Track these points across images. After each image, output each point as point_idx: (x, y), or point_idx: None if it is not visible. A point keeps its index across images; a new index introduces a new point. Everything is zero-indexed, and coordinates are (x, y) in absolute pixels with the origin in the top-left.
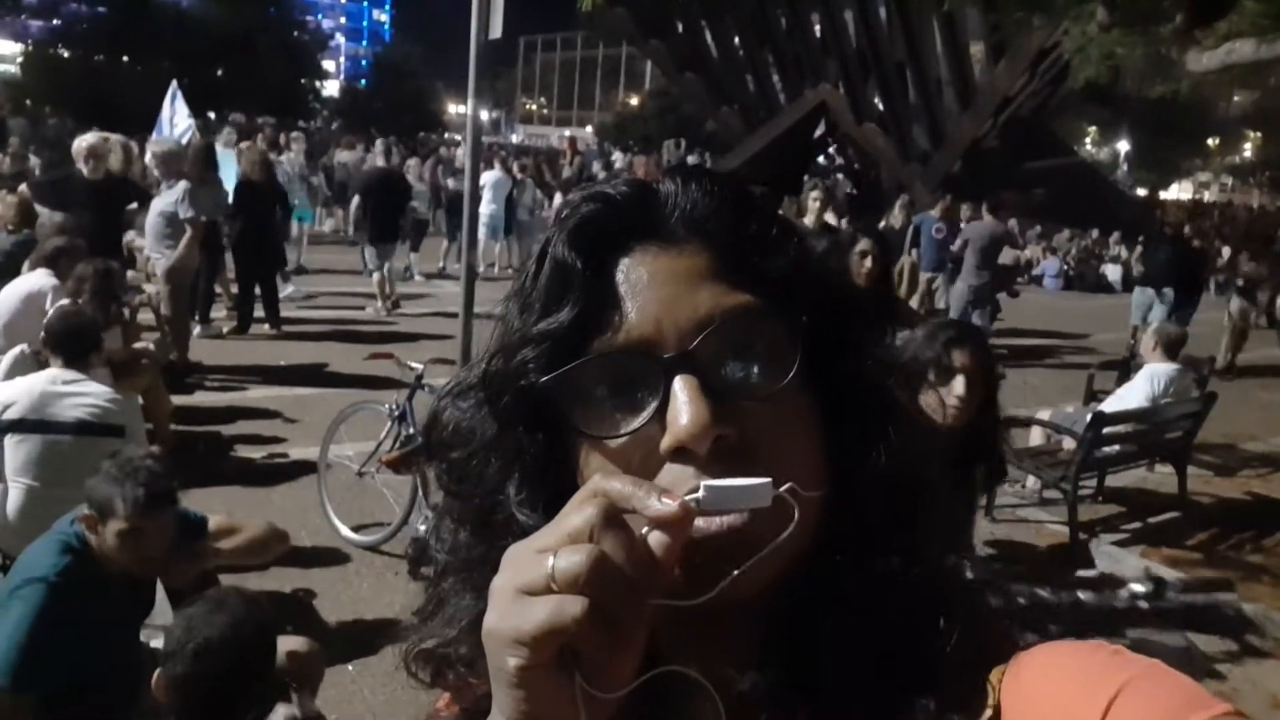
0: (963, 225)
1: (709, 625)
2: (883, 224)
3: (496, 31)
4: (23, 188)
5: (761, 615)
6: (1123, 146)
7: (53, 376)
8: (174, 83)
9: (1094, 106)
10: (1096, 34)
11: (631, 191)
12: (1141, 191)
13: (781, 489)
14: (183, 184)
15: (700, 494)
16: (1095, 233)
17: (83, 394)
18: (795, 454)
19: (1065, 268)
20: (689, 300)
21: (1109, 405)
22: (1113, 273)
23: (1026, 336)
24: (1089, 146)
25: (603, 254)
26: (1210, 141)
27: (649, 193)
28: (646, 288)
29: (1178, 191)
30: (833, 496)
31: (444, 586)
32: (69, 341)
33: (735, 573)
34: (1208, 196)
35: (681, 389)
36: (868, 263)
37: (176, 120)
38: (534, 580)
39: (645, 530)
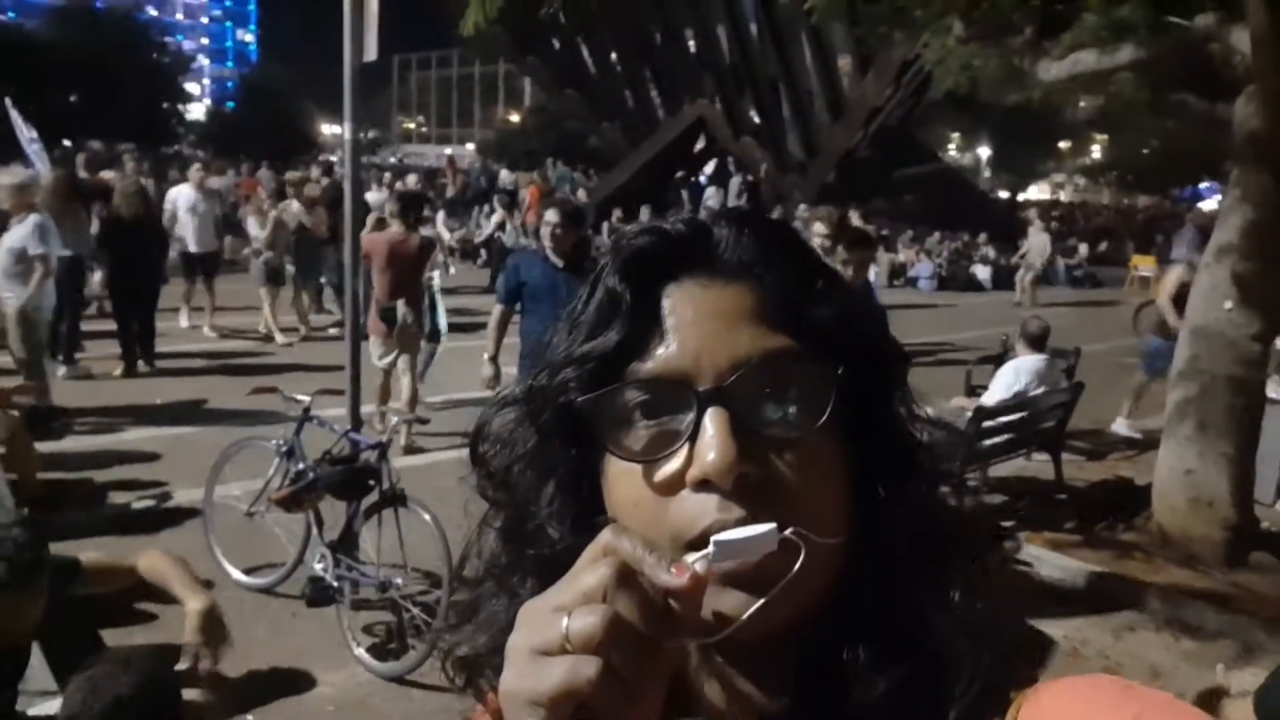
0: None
1: (737, 659)
2: None
3: (371, 54)
4: None
5: (790, 650)
6: (984, 151)
7: None
8: (6, 101)
9: (956, 114)
10: (954, 46)
11: (687, 229)
12: (1004, 194)
13: (787, 532)
14: (33, 218)
15: (711, 550)
16: (965, 235)
17: None
18: (818, 498)
19: (938, 269)
20: (729, 338)
21: (986, 398)
22: (982, 272)
23: (904, 337)
24: (953, 152)
25: (652, 285)
26: (1062, 145)
27: (704, 232)
28: (690, 322)
29: (1036, 192)
30: (860, 541)
31: (479, 593)
32: None
33: (743, 617)
34: (1064, 196)
35: (712, 423)
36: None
37: (25, 141)
38: (549, 641)
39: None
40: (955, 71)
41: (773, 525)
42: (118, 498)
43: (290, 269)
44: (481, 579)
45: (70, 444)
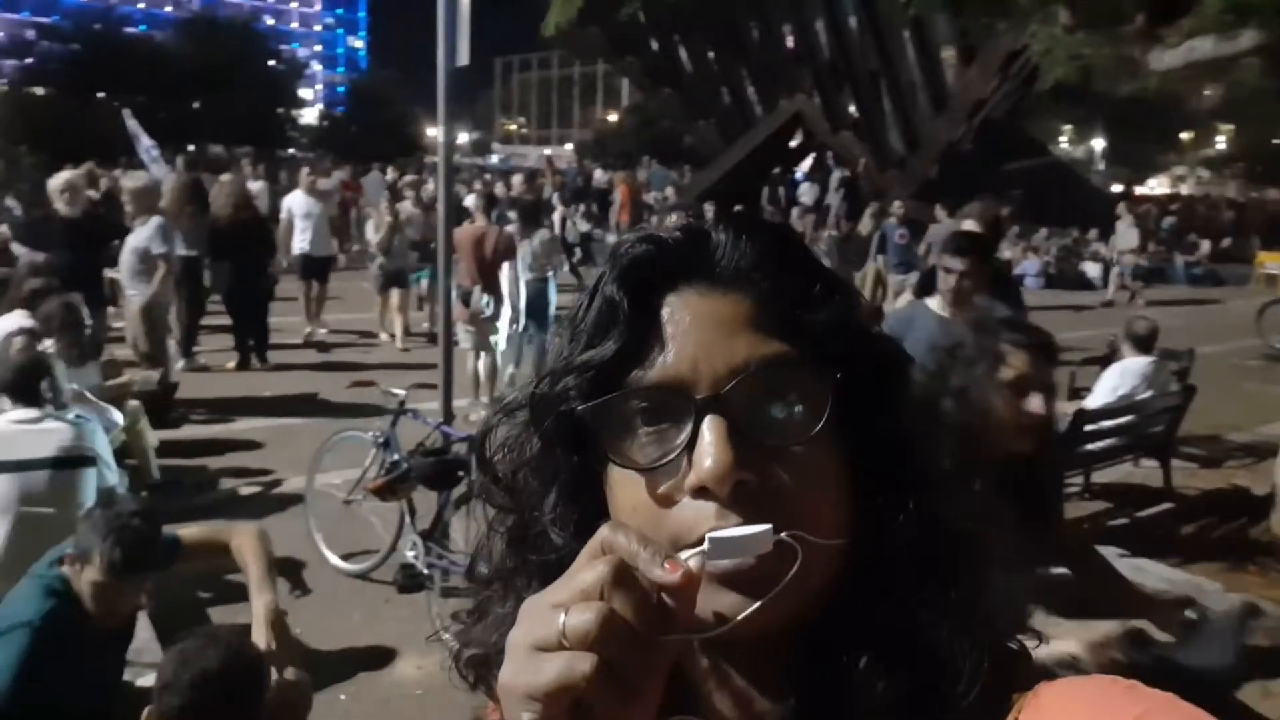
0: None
1: (737, 659)
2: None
3: (463, 59)
4: (2, 228)
5: (790, 652)
6: (1098, 144)
7: (12, 418)
8: (126, 111)
9: (1067, 106)
10: (1061, 36)
11: (684, 236)
12: (1118, 188)
13: (783, 535)
14: (155, 219)
15: (705, 546)
16: (1075, 231)
17: (45, 431)
18: (816, 502)
19: (1045, 267)
20: (726, 345)
21: (1090, 402)
22: (1093, 270)
23: None
24: (1065, 145)
25: (650, 293)
26: (1184, 136)
27: (701, 238)
28: (688, 330)
29: (1155, 186)
30: (862, 545)
31: (487, 594)
32: (19, 383)
33: (739, 618)
34: (1184, 190)
35: (709, 431)
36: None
37: (142, 148)
38: (546, 637)
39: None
40: (1063, 61)
41: (768, 526)
42: (227, 484)
43: (415, 272)
44: (489, 580)
45: (186, 432)
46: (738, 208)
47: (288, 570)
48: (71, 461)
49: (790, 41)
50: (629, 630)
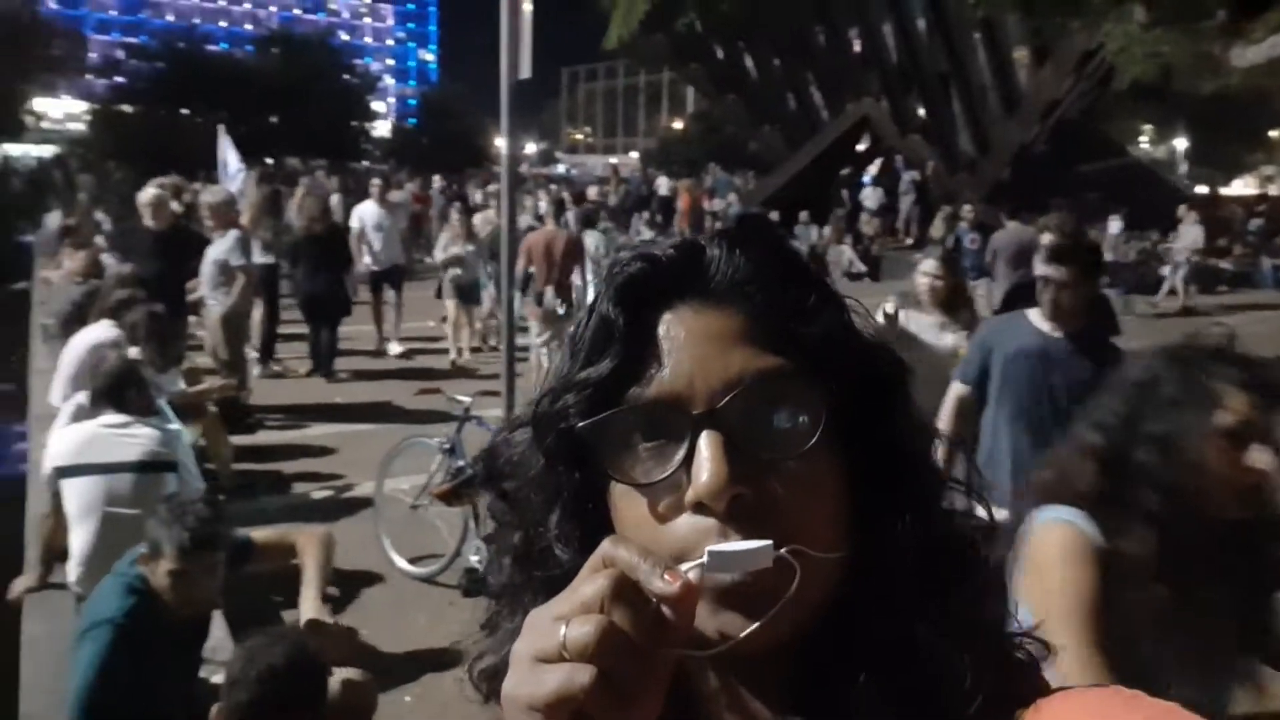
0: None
1: (740, 672)
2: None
3: (525, 72)
4: (99, 239)
5: (792, 662)
6: (1180, 144)
7: (101, 422)
8: (220, 128)
9: (1147, 105)
10: (1138, 33)
11: (678, 254)
12: (1203, 189)
13: (782, 550)
14: (234, 232)
15: (704, 559)
16: (1154, 234)
17: (133, 435)
18: (814, 515)
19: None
20: (721, 360)
21: None
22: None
23: None
24: (1145, 145)
25: (646, 310)
26: (1272, 134)
27: (695, 254)
28: (683, 345)
29: (1241, 187)
30: (861, 557)
31: (496, 610)
32: (111, 389)
33: (742, 634)
34: (1273, 190)
35: (706, 445)
36: (932, 283)
37: (230, 163)
38: (548, 649)
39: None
40: (1140, 60)
41: (768, 542)
42: (300, 488)
43: (485, 282)
44: (499, 595)
45: (261, 437)
46: (802, 214)
47: (356, 578)
48: (155, 465)
49: (857, 45)
50: (628, 642)
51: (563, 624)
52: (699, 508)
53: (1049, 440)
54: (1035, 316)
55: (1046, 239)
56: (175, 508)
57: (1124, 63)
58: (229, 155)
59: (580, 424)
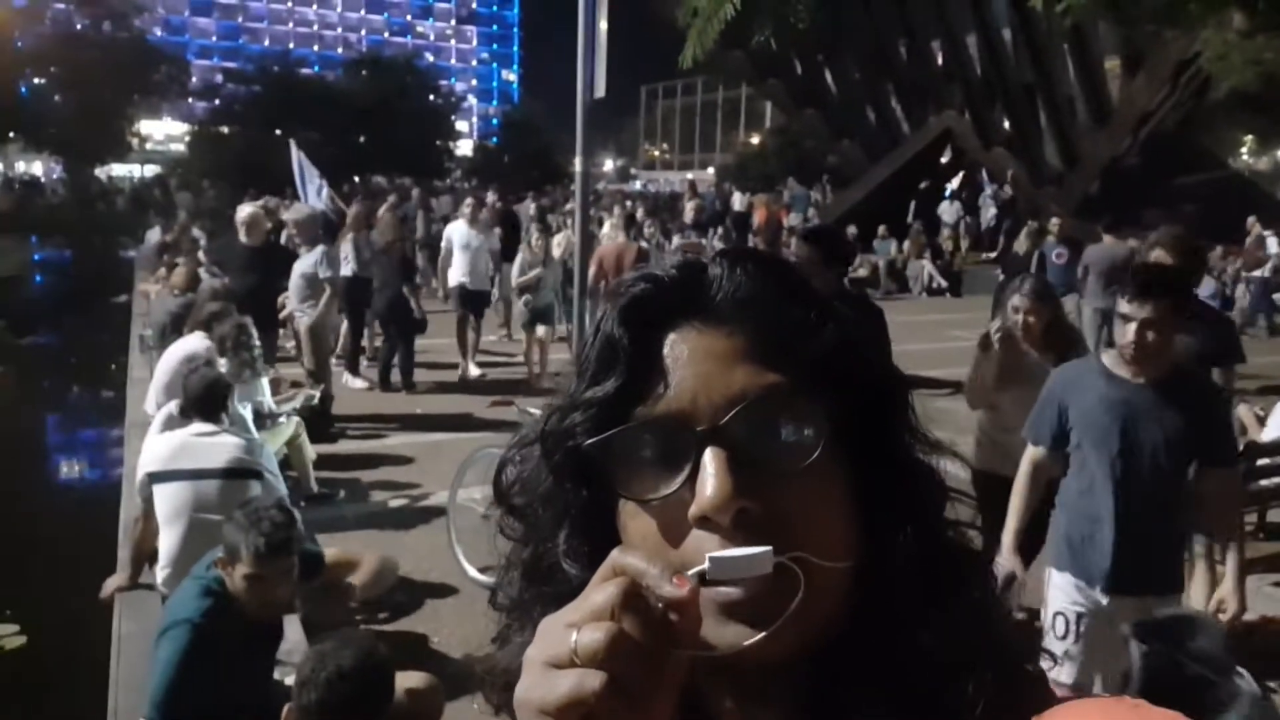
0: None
1: (749, 680)
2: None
3: (600, 91)
4: (201, 253)
5: (801, 673)
6: None
7: (191, 430)
8: (291, 143)
9: (1248, 115)
10: (1237, 41)
11: (680, 274)
12: None
13: (783, 557)
14: (320, 247)
15: (706, 565)
16: None
17: (219, 444)
18: (818, 529)
19: (1222, 288)
20: (724, 378)
21: (1265, 435)
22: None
23: None
24: (1246, 157)
25: (650, 330)
26: None
27: (697, 274)
28: (686, 364)
29: None
30: (867, 567)
31: (507, 624)
32: (201, 399)
33: (745, 644)
34: None
35: (710, 461)
36: (1024, 319)
37: (309, 180)
38: (559, 654)
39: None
40: (1240, 68)
41: (768, 548)
42: (378, 496)
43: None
44: (510, 610)
45: (342, 447)
46: (880, 228)
47: (428, 586)
48: (240, 472)
49: (939, 58)
50: (638, 648)
51: (574, 630)
52: (704, 522)
53: (1160, 508)
54: (1110, 360)
55: (1156, 255)
56: (251, 514)
57: (1222, 71)
58: (307, 171)
59: (587, 442)
